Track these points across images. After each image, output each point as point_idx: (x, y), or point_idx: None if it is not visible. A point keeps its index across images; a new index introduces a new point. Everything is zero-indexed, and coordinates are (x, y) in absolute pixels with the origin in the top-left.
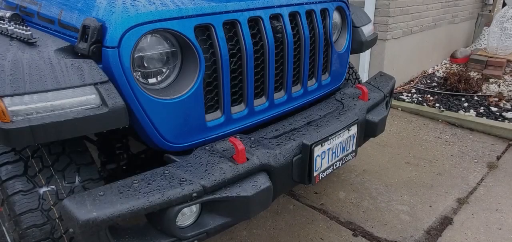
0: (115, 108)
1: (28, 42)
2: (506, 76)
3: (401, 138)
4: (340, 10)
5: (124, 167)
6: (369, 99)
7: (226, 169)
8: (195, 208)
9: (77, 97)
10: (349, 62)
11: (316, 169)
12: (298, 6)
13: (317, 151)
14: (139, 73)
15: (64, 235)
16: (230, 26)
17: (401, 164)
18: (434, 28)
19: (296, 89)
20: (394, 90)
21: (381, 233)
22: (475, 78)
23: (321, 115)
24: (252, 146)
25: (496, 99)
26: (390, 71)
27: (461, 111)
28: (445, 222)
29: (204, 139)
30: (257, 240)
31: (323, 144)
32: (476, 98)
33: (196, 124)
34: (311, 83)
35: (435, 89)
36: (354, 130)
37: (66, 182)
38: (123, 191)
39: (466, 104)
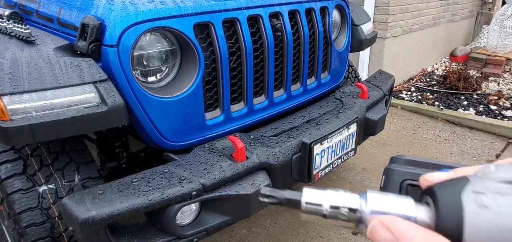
0: (115, 107)
1: (27, 41)
2: (505, 75)
3: (401, 136)
4: (339, 8)
5: (123, 166)
6: (368, 98)
7: (226, 167)
8: (194, 207)
9: (76, 96)
10: (349, 60)
11: (316, 167)
12: (298, 4)
13: (317, 149)
14: (139, 71)
15: (63, 234)
16: (230, 25)
17: None
18: (434, 26)
19: (296, 87)
20: (394, 88)
21: None
22: (475, 77)
23: (320, 113)
24: (252, 144)
25: (496, 97)
26: (390, 70)
27: (460, 110)
28: None
29: (203, 137)
30: (257, 239)
31: (323, 142)
32: (475, 96)
33: (196, 122)
34: (311, 82)
35: (435, 87)
36: (353, 128)
37: (65, 181)
38: (122, 189)
39: (465, 102)
